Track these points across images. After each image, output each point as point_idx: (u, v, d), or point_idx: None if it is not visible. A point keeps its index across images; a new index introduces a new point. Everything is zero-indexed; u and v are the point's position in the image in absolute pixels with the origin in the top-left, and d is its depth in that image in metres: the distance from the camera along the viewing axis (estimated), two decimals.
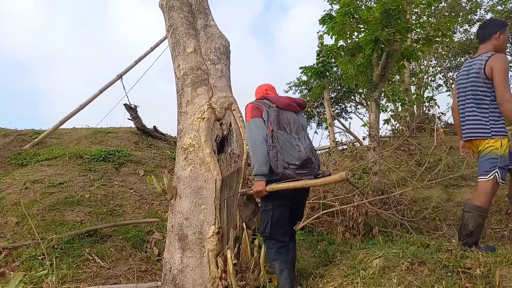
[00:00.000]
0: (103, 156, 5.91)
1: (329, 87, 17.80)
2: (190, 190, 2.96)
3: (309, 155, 2.70)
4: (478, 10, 17.58)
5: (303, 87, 19.48)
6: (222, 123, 3.28)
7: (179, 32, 3.60)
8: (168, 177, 2.98)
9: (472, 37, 20.57)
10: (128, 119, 7.13)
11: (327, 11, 9.10)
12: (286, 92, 20.49)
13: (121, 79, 6.90)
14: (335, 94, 19.50)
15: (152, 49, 6.81)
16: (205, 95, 3.29)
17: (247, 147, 2.99)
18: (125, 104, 7.06)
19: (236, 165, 3.17)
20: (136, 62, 6.94)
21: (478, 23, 19.40)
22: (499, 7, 19.07)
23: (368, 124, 8.77)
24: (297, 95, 20.43)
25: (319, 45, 12.28)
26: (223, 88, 3.44)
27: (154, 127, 7.53)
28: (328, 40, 14.98)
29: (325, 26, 8.68)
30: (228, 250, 2.79)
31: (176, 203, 3.00)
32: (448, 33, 8.09)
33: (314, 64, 12.46)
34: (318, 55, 12.19)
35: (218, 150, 3.21)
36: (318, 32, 12.06)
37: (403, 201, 5.70)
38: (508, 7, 19.65)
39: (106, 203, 4.70)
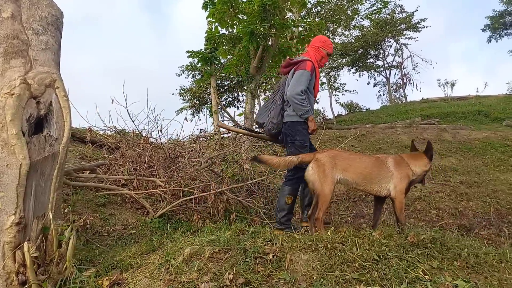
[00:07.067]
0: None
1: (222, 75, 17.81)
2: None
3: (256, 119, 4.17)
4: (356, 16, 19.37)
5: (196, 72, 19.23)
6: (39, 102, 2.93)
7: None
8: None
9: (353, 40, 22.70)
10: None
11: None
12: (179, 75, 20.00)
13: None
14: (228, 82, 19.63)
15: None
16: (20, 68, 2.89)
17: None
18: None
19: (52, 149, 2.87)
20: None
21: (357, 29, 21.52)
22: (375, 16, 21.33)
23: (243, 114, 9.02)
24: (189, 80, 20.07)
25: (208, 30, 12.11)
26: (47, 62, 3.07)
27: None
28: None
29: (207, 11, 8.60)
30: (26, 242, 2.53)
31: None
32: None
33: (202, 49, 12.24)
34: (206, 40, 12.02)
35: (34, 132, 2.87)
36: (207, 18, 11.84)
37: (254, 190, 5.99)
38: (383, 17, 22.15)
39: None
